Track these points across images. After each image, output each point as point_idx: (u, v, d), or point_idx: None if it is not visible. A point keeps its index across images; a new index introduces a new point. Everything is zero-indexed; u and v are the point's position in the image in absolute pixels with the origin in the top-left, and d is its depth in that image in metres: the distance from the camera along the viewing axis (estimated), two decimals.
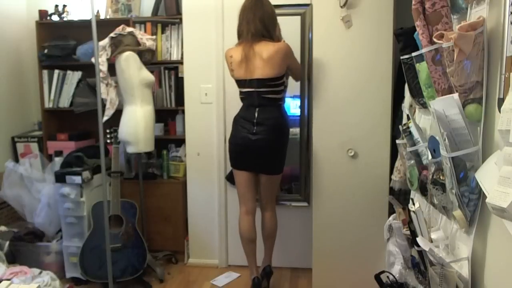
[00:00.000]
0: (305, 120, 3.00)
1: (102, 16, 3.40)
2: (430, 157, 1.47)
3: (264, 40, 2.51)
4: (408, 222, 1.55)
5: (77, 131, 3.53)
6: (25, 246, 2.91)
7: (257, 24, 2.48)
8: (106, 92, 2.88)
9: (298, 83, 2.96)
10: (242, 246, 2.73)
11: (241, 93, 2.62)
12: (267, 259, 2.80)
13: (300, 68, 2.79)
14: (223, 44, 2.99)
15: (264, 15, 2.49)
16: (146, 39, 2.94)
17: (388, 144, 2.55)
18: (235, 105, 2.77)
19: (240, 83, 2.59)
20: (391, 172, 2.38)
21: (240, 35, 2.56)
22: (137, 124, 2.85)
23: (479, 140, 1.21)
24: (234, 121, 2.65)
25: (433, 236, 1.48)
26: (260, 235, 2.79)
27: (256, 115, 2.53)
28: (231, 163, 2.69)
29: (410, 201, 1.62)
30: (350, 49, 2.53)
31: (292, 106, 3.01)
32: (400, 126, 1.79)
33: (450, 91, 1.33)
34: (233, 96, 2.96)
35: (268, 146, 2.56)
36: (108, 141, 2.92)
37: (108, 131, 2.97)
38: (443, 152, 1.27)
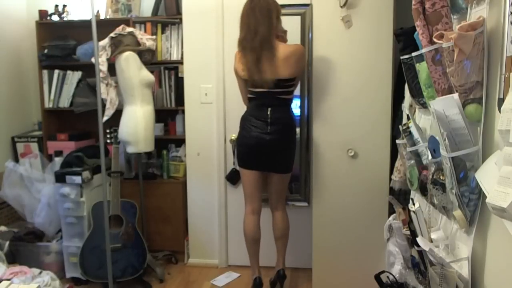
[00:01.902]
0: (305, 120, 3.00)
1: (102, 16, 3.40)
2: (430, 157, 1.47)
3: (278, 40, 2.50)
4: (408, 222, 1.55)
5: (77, 131, 3.53)
6: (25, 246, 2.91)
7: (265, 25, 2.43)
8: (106, 92, 2.88)
9: (298, 84, 2.96)
10: (246, 245, 2.73)
11: (251, 92, 2.58)
12: (281, 262, 2.75)
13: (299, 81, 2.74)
14: (223, 44, 2.99)
15: (263, 15, 2.45)
16: (146, 39, 2.94)
17: (388, 144, 2.55)
18: (235, 105, 2.77)
19: (252, 83, 2.53)
20: (391, 172, 2.38)
21: (244, 40, 2.48)
22: (137, 124, 2.85)
23: (479, 140, 1.21)
24: (243, 120, 2.61)
25: (433, 236, 1.48)
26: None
27: (269, 114, 2.51)
28: (240, 163, 2.67)
29: (410, 201, 1.62)
30: (350, 49, 2.54)
31: (292, 106, 3.00)
32: (400, 126, 1.79)
33: (450, 91, 1.33)
34: (233, 96, 2.96)
35: (282, 146, 2.55)
36: (108, 141, 2.92)
37: (108, 131, 2.97)
38: (443, 152, 1.27)
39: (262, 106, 2.53)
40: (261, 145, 2.52)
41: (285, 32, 2.66)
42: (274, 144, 2.52)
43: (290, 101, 2.62)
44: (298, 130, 3.00)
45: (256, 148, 2.55)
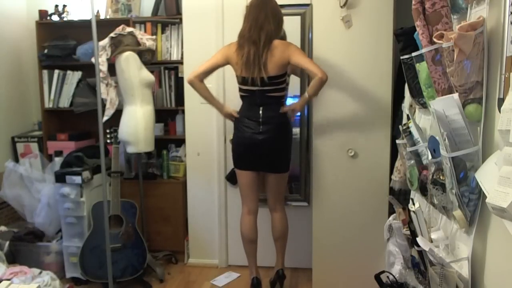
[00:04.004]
0: (305, 120, 3.00)
1: (102, 16, 3.40)
2: (430, 157, 1.47)
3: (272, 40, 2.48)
4: (408, 222, 1.55)
5: (77, 131, 3.53)
6: (25, 246, 2.91)
7: (273, 24, 2.43)
8: (106, 92, 2.88)
9: (298, 82, 2.96)
10: (243, 245, 2.73)
11: (242, 90, 2.57)
12: (280, 262, 2.74)
13: (314, 63, 2.43)
14: (223, 44, 2.98)
15: (273, 15, 2.45)
16: (146, 39, 2.94)
17: (388, 144, 2.55)
18: (235, 105, 2.77)
19: (243, 80, 2.52)
20: (391, 172, 2.38)
21: (243, 35, 2.47)
22: (137, 124, 2.86)
23: (479, 140, 1.21)
24: (236, 121, 2.61)
25: (433, 236, 1.48)
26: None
27: (260, 114, 2.50)
28: (235, 164, 2.67)
29: (410, 201, 1.62)
30: (350, 49, 2.53)
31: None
32: (400, 126, 1.79)
33: (450, 91, 1.33)
34: (233, 96, 2.95)
35: (275, 145, 2.53)
36: (108, 141, 2.92)
37: (108, 131, 2.96)
38: (443, 152, 1.27)
39: (254, 105, 2.52)
40: (254, 145, 2.52)
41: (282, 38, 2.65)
42: (267, 144, 2.51)
43: (282, 98, 2.59)
44: (298, 130, 3.00)
45: (249, 149, 2.55)
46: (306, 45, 2.92)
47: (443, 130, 1.23)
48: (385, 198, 2.49)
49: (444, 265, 1.28)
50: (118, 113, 2.91)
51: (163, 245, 3.30)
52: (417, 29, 1.43)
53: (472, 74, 1.18)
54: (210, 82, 3.05)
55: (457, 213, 1.28)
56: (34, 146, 3.48)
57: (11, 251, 2.87)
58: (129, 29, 2.91)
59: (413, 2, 1.42)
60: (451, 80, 1.25)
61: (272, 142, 2.52)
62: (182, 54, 3.18)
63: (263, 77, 2.44)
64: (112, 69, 2.88)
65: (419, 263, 1.50)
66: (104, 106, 2.85)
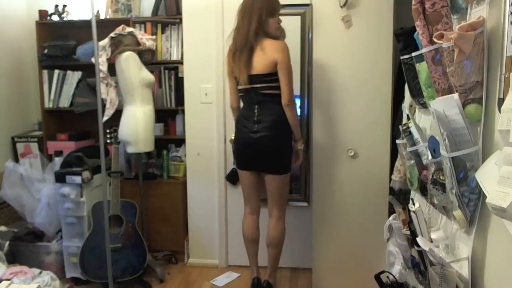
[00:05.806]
0: (305, 120, 3.00)
1: (102, 16, 3.40)
2: (430, 157, 1.47)
3: (264, 37, 2.46)
4: (408, 222, 1.55)
5: (77, 131, 3.53)
6: (25, 246, 2.91)
7: (253, 22, 2.42)
8: (106, 92, 2.88)
9: (299, 82, 2.95)
10: (245, 245, 2.72)
11: (239, 90, 2.56)
12: (269, 272, 2.65)
13: (290, 85, 2.45)
14: (223, 44, 2.99)
15: (255, 9, 2.43)
16: (146, 39, 2.94)
17: (388, 144, 2.55)
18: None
19: (238, 80, 2.52)
20: (391, 172, 2.38)
21: (232, 38, 2.50)
22: (137, 124, 2.85)
23: (479, 140, 1.21)
24: (236, 122, 2.62)
25: (433, 236, 1.48)
26: (265, 236, 2.77)
27: (256, 113, 2.48)
28: (236, 164, 2.67)
29: (410, 201, 1.62)
30: (350, 49, 2.54)
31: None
32: (400, 126, 1.79)
33: (450, 91, 1.33)
34: None
35: (271, 144, 2.48)
36: (108, 141, 2.92)
37: (108, 131, 2.97)
38: (443, 152, 1.27)
39: (250, 104, 2.51)
40: (250, 144, 2.50)
41: (279, 29, 2.63)
42: (261, 143, 2.47)
43: (279, 97, 2.53)
44: None
45: (247, 148, 2.54)
46: (306, 45, 2.92)
47: (443, 130, 1.23)
48: (385, 198, 2.50)
49: (444, 265, 1.27)
50: (118, 113, 2.91)
51: (163, 245, 3.30)
52: (417, 29, 1.43)
53: (472, 74, 1.18)
54: (210, 82, 3.07)
55: (457, 213, 1.28)
56: (34, 146, 3.48)
57: (11, 251, 2.87)
58: (129, 29, 2.91)
59: (413, 2, 1.42)
60: (451, 80, 1.25)
61: (266, 142, 2.46)
62: (182, 54, 3.19)
63: (249, 75, 2.43)
64: (112, 69, 2.88)
65: (419, 263, 1.50)
66: (104, 106, 2.85)
